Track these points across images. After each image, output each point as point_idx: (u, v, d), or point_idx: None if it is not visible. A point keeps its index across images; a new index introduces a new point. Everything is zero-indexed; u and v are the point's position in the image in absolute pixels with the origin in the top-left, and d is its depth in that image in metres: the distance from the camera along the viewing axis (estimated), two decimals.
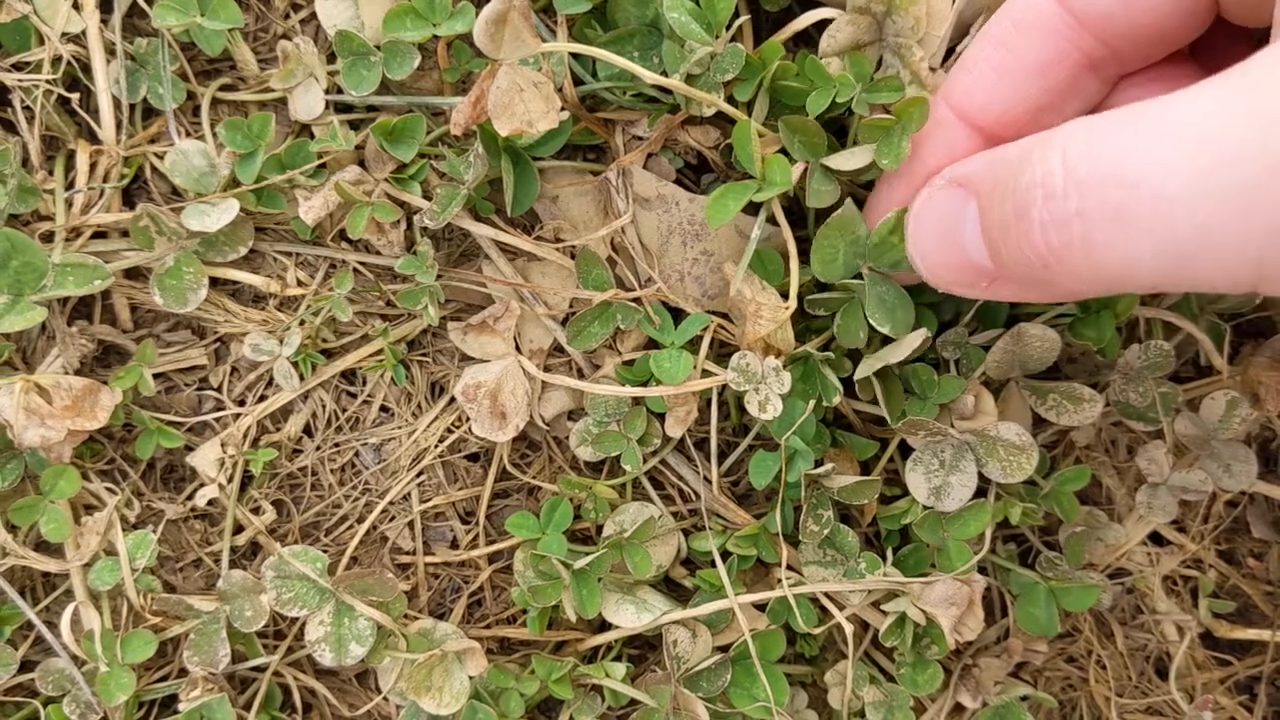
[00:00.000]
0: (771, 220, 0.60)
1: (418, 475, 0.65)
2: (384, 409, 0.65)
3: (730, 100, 0.57)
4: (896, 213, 0.54)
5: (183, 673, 0.62)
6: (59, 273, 0.58)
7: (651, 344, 0.64)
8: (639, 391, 0.61)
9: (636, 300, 0.62)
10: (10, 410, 0.57)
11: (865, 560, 0.63)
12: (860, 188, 0.61)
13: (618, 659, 0.65)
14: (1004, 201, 0.41)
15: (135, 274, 0.62)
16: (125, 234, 0.61)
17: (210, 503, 0.63)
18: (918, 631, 0.63)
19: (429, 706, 0.61)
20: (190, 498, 0.63)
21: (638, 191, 0.62)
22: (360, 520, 0.65)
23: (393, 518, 0.65)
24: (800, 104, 0.57)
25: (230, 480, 0.62)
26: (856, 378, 0.60)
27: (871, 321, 0.57)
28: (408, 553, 0.65)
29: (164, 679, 0.63)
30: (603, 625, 0.66)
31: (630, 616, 0.62)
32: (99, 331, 0.62)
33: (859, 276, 0.57)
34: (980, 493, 0.62)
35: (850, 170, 0.57)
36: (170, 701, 0.63)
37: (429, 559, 0.65)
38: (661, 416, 0.63)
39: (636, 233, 0.63)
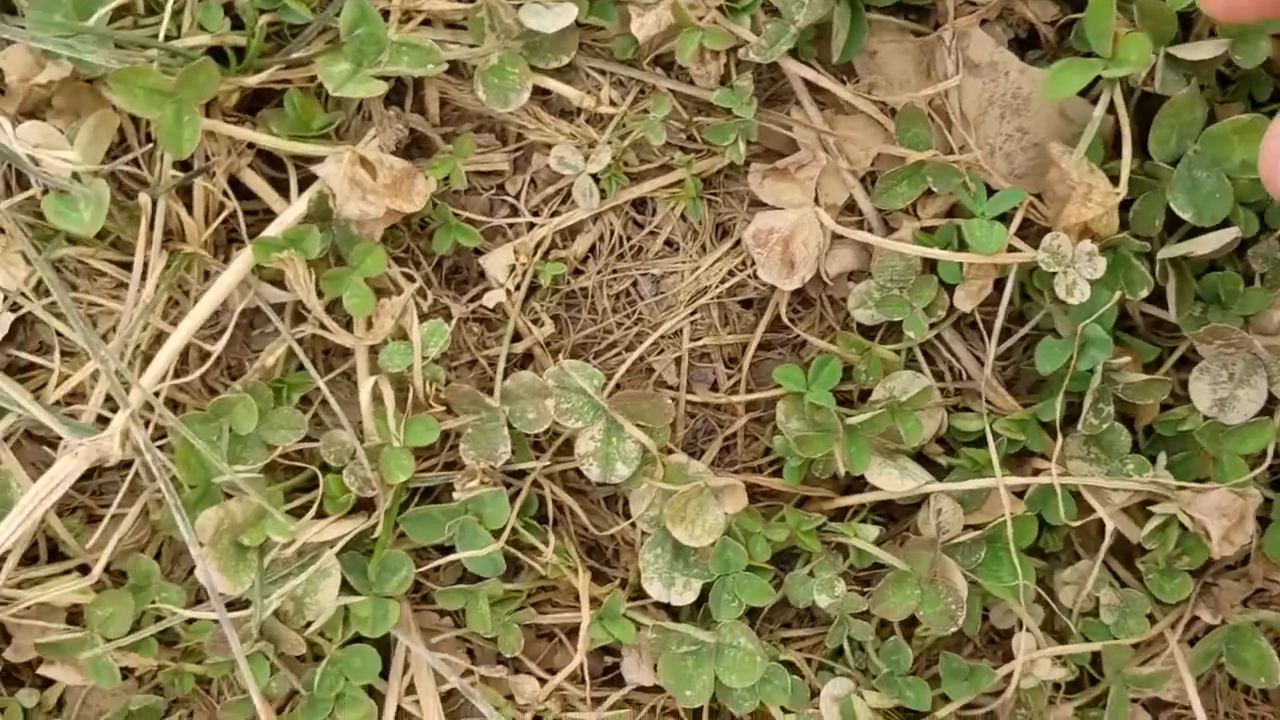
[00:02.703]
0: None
1: (692, 313, 0.65)
2: (668, 243, 0.65)
3: None
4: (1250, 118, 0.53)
5: (448, 467, 0.64)
6: (394, 50, 0.58)
7: (948, 216, 0.63)
8: (941, 255, 0.60)
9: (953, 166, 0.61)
10: (336, 179, 0.58)
11: (1133, 462, 0.63)
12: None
13: (862, 523, 0.66)
14: None
15: (450, 69, 0.62)
16: (449, 26, 0.61)
17: (493, 308, 0.63)
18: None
19: (681, 536, 0.62)
20: (476, 299, 0.64)
21: (970, 55, 0.61)
22: (629, 349, 0.65)
23: (661, 351, 0.65)
24: None
25: (517, 288, 0.63)
26: (1160, 256, 0.59)
27: (1172, 205, 0.55)
28: (671, 388, 0.66)
29: (428, 471, 0.64)
30: (848, 488, 0.66)
31: (894, 480, 0.63)
32: (411, 120, 0.62)
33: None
34: (1265, 411, 0.61)
35: (1196, 60, 0.56)
36: (428, 494, 0.65)
37: (689, 397, 0.66)
38: (950, 288, 0.63)
39: (959, 98, 0.62)
